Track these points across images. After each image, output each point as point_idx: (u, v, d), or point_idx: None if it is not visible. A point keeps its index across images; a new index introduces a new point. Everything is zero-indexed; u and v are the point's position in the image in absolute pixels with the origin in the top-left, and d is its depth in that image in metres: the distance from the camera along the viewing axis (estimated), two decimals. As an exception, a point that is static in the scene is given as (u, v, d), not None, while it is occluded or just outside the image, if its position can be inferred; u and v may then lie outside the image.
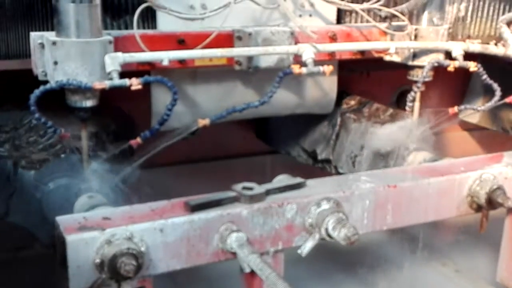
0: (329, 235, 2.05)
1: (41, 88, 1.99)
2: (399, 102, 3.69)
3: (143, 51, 2.22)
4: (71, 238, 1.75)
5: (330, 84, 2.88)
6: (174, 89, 2.13)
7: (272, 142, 3.66)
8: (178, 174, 3.42)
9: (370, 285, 2.98)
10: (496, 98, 2.64)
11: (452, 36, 2.95)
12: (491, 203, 2.31)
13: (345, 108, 3.18)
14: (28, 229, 2.44)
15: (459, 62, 2.60)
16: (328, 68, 2.39)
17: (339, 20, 2.82)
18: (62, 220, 1.86)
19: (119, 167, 2.30)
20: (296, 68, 2.36)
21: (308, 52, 2.37)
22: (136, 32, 2.19)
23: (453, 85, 3.88)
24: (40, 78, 2.14)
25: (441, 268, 3.11)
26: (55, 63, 2.04)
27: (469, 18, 3.06)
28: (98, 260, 1.76)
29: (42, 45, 2.10)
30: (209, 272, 2.93)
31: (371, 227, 2.24)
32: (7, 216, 2.51)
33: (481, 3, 3.07)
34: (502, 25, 2.78)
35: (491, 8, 3.10)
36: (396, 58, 2.71)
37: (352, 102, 3.19)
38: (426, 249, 3.23)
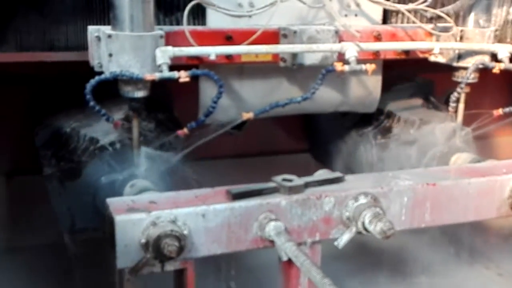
0: (365, 229, 2.10)
1: (96, 78, 2.12)
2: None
3: (192, 46, 2.35)
4: (119, 219, 1.87)
5: (374, 83, 2.92)
6: (220, 83, 2.24)
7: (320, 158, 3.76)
8: (225, 168, 3.54)
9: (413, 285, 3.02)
10: None
11: (500, 39, 2.94)
12: (533, 204, 2.34)
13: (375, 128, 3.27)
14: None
15: (505, 65, 2.61)
16: (370, 67, 2.45)
17: (385, 21, 2.86)
18: (112, 202, 1.99)
19: (167, 156, 2.44)
20: (338, 66, 2.43)
21: (351, 50, 2.43)
22: (186, 28, 2.30)
23: (504, 88, 3.88)
24: (96, 69, 2.25)
25: (484, 271, 3.13)
26: (110, 55, 2.17)
27: (517, 21, 3.07)
28: (143, 240, 1.88)
29: (98, 38, 2.22)
30: (250, 261, 3.06)
31: (409, 224, 2.28)
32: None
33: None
34: (551, 28, 2.79)
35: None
36: (441, 59, 2.73)
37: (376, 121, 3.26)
38: (470, 252, 3.25)
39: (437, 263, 3.15)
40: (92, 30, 2.27)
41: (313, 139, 3.85)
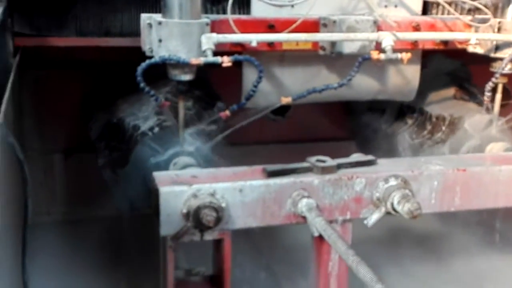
0: (394, 209, 2.17)
1: (147, 61, 2.26)
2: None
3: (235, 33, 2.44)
4: (163, 190, 2.02)
5: (413, 72, 2.94)
6: (260, 68, 2.35)
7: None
8: (267, 153, 3.63)
9: (448, 273, 3.04)
10: None
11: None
12: None
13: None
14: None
15: None
16: (406, 55, 2.50)
17: (425, 12, 2.87)
18: (158, 175, 2.14)
19: (210, 135, 2.58)
20: (375, 54, 2.49)
21: (387, 40, 2.50)
22: (230, 16, 2.40)
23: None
24: (147, 54, 2.37)
25: None
26: (160, 40, 2.30)
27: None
28: (185, 211, 2.02)
29: (150, 25, 2.33)
30: (287, 241, 3.18)
31: (438, 207, 2.33)
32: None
33: None
34: None
35: None
36: (479, 50, 2.75)
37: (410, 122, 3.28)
38: (503, 238, 3.26)
39: (471, 250, 3.17)
40: (145, 17, 2.37)
41: (356, 131, 3.90)
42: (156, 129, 2.60)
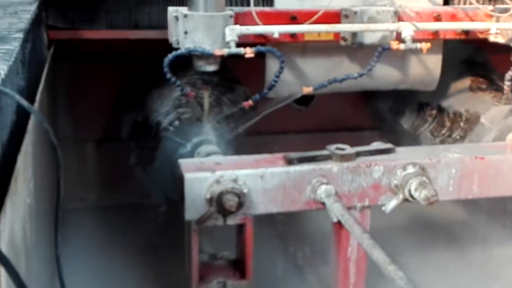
0: (411, 196, 2.22)
1: (173, 53, 2.33)
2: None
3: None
4: (188, 176, 2.10)
5: (434, 62, 2.96)
6: (282, 58, 2.40)
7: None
8: (292, 142, 3.66)
9: (467, 261, 3.04)
10: None
11: None
12: None
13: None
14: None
15: None
16: (426, 45, 2.53)
17: (447, 2, 2.89)
18: (183, 162, 2.21)
19: (235, 124, 2.64)
20: (394, 44, 2.53)
21: (407, 30, 2.53)
22: (253, 8, 2.46)
23: None
24: (174, 45, 2.43)
25: None
26: (186, 32, 2.36)
27: None
28: (208, 196, 2.09)
29: (176, 18, 2.39)
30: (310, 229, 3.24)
31: (456, 194, 2.36)
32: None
33: None
34: None
35: None
36: (500, 40, 2.74)
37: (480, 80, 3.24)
38: None
39: (492, 236, 3.16)
40: (171, 10, 2.43)
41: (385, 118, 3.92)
42: (176, 123, 2.66)
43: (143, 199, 3.31)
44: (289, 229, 3.27)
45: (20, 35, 1.64)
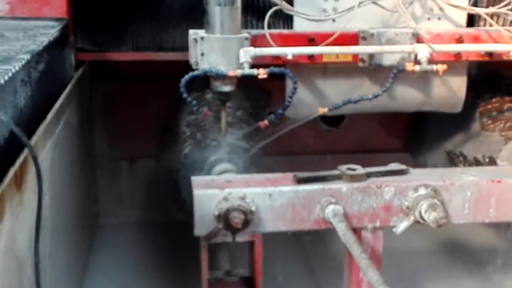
0: (422, 218, 2.18)
1: (190, 74, 2.38)
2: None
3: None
4: (197, 193, 2.13)
5: (459, 84, 2.91)
6: (294, 79, 2.41)
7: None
8: (321, 163, 3.66)
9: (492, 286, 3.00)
10: None
11: None
12: None
13: (483, 111, 3.19)
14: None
15: None
16: (442, 67, 2.49)
17: (472, 24, 2.85)
18: (196, 179, 2.24)
19: (252, 143, 2.66)
20: (409, 66, 2.50)
21: (423, 52, 2.50)
22: (267, 31, 2.49)
23: None
24: (193, 66, 2.48)
25: None
26: (202, 54, 2.41)
27: None
28: (216, 213, 2.10)
29: (195, 40, 2.45)
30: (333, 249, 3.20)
31: (472, 217, 2.30)
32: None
33: None
34: None
35: None
36: None
37: (489, 107, 3.18)
38: None
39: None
40: (191, 33, 2.49)
41: (414, 139, 3.88)
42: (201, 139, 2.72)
43: (175, 215, 3.31)
44: (314, 248, 3.27)
45: (27, 57, 1.73)
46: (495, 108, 3.12)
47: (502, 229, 3.29)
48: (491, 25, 2.80)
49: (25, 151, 1.59)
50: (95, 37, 2.86)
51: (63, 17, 2.63)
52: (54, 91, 2.24)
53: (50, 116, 1.98)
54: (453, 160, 3.29)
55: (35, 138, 1.76)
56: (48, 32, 2.21)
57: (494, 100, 3.16)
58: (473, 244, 3.34)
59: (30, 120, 1.84)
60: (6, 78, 1.43)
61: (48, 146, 2.02)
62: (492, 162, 2.94)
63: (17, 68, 1.56)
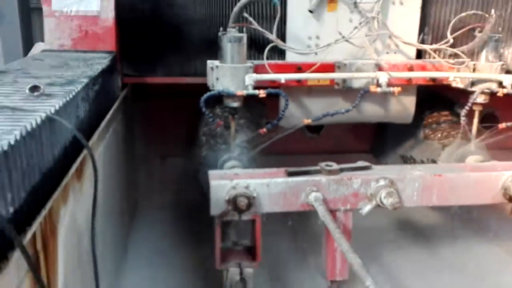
0: (382, 202, 2.22)
1: (208, 93, 2.39)
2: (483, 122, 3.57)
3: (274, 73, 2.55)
4: (213, 183, 2.17)
5: (410, 102, 2.91)
6: (286, 97, 2.42)
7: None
8: (304, 162, 3.64)
9: (436, 256, 2.95)
10: None
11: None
12: (520, 195, 2.29)
13: (426, 124, 3.18)
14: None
15: (507, 90, 2.54)
16: (397, 89, 2.50)
17: (420, 57, 2.85)
18: (211, 172, 2.28)
19: (254, 144, 2.66)
20: (373, 88, 2.52)
21: (383, 77, 2.51)
22: (266, 62, 2.51)
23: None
24: (210, 88, 2.50)
25: (496, 248, 2.99)
26: (217, 78, 2.44)
27: (530, 58, 2.95)
28: (227, 198, 2.14)
29: (212, 68, 2.47)
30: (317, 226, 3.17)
31: (419, 202, 2.33)
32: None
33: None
34: (553, 64, 2.67)
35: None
36: (460, 85, 2.69)
37: (430, 120, 3.17)
38: (487, 233, 3.12)
39: (457, 240, 3.07)
40: (209, 62, 2.51)
41: (377, 144, 3.88)
42: (215, 142, 2.74)
43: (196, 200, 3.17)
44: (301, 225, 3.25)
45: (86, 80, 1.75)
46: (434, 121, 3.11)
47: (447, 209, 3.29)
48: (434, 57, 2.82)
49: (84, 151, 1.62)
50: (136, 65, 2.87)
51: (112, 50, 2.65)
52: (105, 106, 2.26)
53: (102, 125, 2.00)
54: (406, 161, 3.29)
55: (91, 141, 1.78)
56: (101, 62, 2.23)
57: (434, 114, 3.15)
58: (420, 223, 3.33)
59: (88, 128, 1.86)
60: (70, 96, 1.45)
61: (100, 148, 2.04)
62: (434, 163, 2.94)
63: (78, 89, 1.58)
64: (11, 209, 1.09)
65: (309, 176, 2.24)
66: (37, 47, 3.08)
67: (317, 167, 2.28)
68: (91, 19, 2.62)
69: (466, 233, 3.15)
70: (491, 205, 2.46)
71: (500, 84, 2.61)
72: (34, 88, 1.48)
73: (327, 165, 2.29)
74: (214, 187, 2.15)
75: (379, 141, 3.82)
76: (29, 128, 1.19)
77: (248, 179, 2.19)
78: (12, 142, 1.08)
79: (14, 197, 1.11)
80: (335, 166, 2.29)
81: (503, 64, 2.66)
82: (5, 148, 1.04)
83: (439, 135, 3.02)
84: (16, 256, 1.05)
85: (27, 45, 5.16)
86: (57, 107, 1.37)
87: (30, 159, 1.21)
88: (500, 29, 2.84)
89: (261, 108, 3.19)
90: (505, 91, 2.56)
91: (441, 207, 3.00)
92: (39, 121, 1.25)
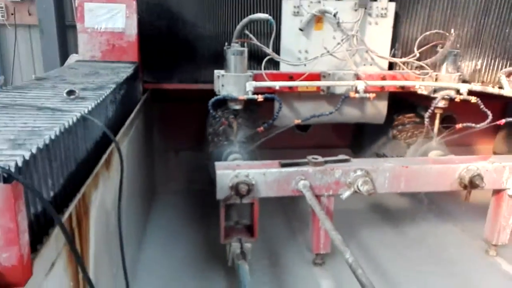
0: (359, 189, 2.23)
1: (215, 97, 2.39)
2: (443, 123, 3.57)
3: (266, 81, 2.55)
4: (219, 172, 2.16)
5: (382, 106, 2.91)
6: (280, 101, 2.42)
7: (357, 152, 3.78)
8: (293, 155, 3.61)
9: (403, 234, 2.92)
10: (488, 120, 2.53)
11: (467, 81, 2.87)
12: (472, 184, 2.31)
13: (394, 126, 3.17)
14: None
15: (463, 96, 2.56)
16: (372, 95, 2.51)
17: (391, 68, 2.85)
18: (217, 164, 2.27)
19: (253, 140, 2.67)
20: (352, 94, 2.53)
21: (360, 85, 2.52)
22: (263, 72, 2.51)
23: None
24: (217, 93, 2.50)
25: (453, 227, 2.99)
26: (222, 85, 2.44)
27: (483, 70, 2.96)
28: (230, 184, 2.14)
29: (218, 76, 2.48)
30: (305, 209, 3.16)
31: (390, 189, 2.34)
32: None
33: (492, 60, 2.94)
34: (501, 75, 2.67)
35: (500, 63, 2.95)
36: (424, 92, 2.71)
37: (397, 122, 3.15)
38: (447, 215, 3.13)
39: (422, 222, 3.06)
40: (216, 72, 2.52)
41: (355, 141, 3.88)
42: (221, 139, 2.72)
43: (204, 186, 3.18)
44: (292, 207, 3.25)
45: (113, 86, 1.74)
46: (400, 123, 3.10)
47: (414, 195, 3.30)
48: (403, 69, 2.83)
49: (112, 145, 1.61)
50: (154, 74, 2.85)
51: (135, 61, 2.63)
52: (129, 107, 2.25)
53: (126, 123, 1.99)
54: (379, 157, 3.28)
55: (118, 137, 1.77)
56: (126, 71, 2.22)
57: (400, 117, 3.14)
58: (391, 206, 3.32)
59: (115, 125, 1.86)
60: (101, 99, 1.44)
61: (125, 142, 2.03)
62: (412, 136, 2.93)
63: (107, 93, 1.58)
64: (51, 193, 1.09)
65: (299, 167, 2.24)
66: (72, 58, 3.06)
67: (305, 160, 2.28)
68: (117, 35, 2.61)
69: (429, 215, 3.15)
70: (449, 192, 2.48)
71: (458, 92, 2.62)
72: (70, 92, 1.47)
73: (313, 158, 2.29)
74: (219, 176, 2.15)
75: (357, 138, 3.81)
76: (66, 125, 1.19)
77: (248, 169, 2.19)
78: (53, 137, 1.08)
79: (54, 183, 1.11)
80: (320, 159, 2.29)
81: (460, 75, 2.67)
82: (47, 142, 1.04)
83: (405, 135, 3.01)
84: (56, 232, 1.06)
85: (64, 56, 5.14)
86: (89, 108, 1.37)
87: (67, 151, 1.21)
88: (458, 45, 2.85)
89: (254, 107, 3.17)
90: (461, 97, 2.57)
91: (408, 193, 3.01)
92: (74, 119, 1.25)
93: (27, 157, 0.94)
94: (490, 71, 2.94)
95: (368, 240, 2.84)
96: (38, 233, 1.02)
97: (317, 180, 2.25)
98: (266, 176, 2.20)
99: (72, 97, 1.47)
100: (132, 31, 2.62)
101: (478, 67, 2.92)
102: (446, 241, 2.82)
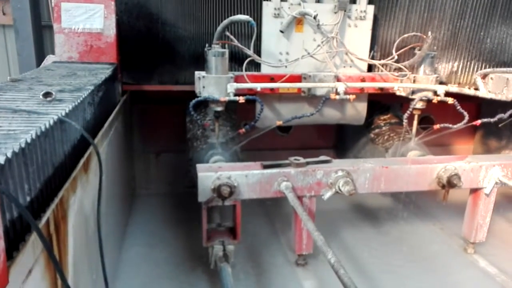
0: (340, 189, 2.25)
1: (196, 99, 2.39)
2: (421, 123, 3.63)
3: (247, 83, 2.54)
4: (200, 174, 2.15)
5: (362, 107, 2.95)
6: (261, 103, 2.43)
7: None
8: (276, 156, 3.62)
9: (384, 233, 2.97)
10: (464, 121, 2.60)
11: (444, 82, 2.94)
12: (450, 183, 2.36)
13: (371, 127, 3.21)
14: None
15: (441, 97, 2.62)
16: (352, 96, 2.54)
17: (370, 70, 2.89)
18: (199, 166, 2.26)
19: (234, 142, 2.66)
20: (332, 95, 2.55)
21: (341, 87, 2.55)
22: (245, 73, 2.51)
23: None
24: (198, 94, 2.49)
25: (432, 226, 3.05)
26: (203, 87, 2.42)
27: (459, 72, 3.03)
28: (212, 187, 2.13)
29: (199, 78, 2.46)
30: (288, 210, 3.20)
31: (370, 189, 2.37)
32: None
33: (468, 62, 3.02)
34: (477, 77, 2.75)
35: (476, 65, 3.03)
36: (403, 93, 2.77)
37: (373, 125, 3.20)
38: (424, 213, 3.19)
39: (402, 220, 3.12)
40: (197, 73, 2.51)
41: (338, 142, 3.90)
42: (202, 141, 2.70)
43: (186, 189, 3.30)
44: (275, 209, 3.25)
45: (92, 87, 1.71)
46: (376, 125, 3.14)
47: (394, 195, 3.33)
48: (382, 71, 2.87)
49: (90, 147, 1.58)
50: (134, 75, 2.81)
51: (114, 62, 2.59)
52: (108, 109, 2.21)
53: (105, 125, 1.96)
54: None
55: (96, 139, 1.74)
56: (104, 72, 2.19)
57: (375, 119, 3.18)
58: (372, 206, 3.37)
59: (93, 128, 1.82)
60: (79, 101, 1.42)
61: (104, 144, 2.00)
62: (391, 138, 2.98)
63: (85, 95, 1.55)
64: (28, 198, 1.06)
65: (281, 168, 2.25)
66: (49, 59, 2.99)
67: (287, 161, 2.29)
68: (95, 35, 2.56)
69: (408, 215, 3.21)
70: (428, 192, 2.52)
71: (435, 93, 2.68)
72: (46, 94, 1.44)
73: (295, 159, 2.30)
74: (201, 178, 2.14)
75: (340, 139, 3.85)
76: (43, 128, 1.16)
77: (230, 171, 2.18)
78: (29, 141, 1.05)
79: (31, 187, 1.08)
80: (302, 160, 2.30)
81: (437, 77, 2.73)
82: (23, 145, 1.02)
83: (382, 139, 3.05)
84: (33, 238, 1.03)
85: (40, 57, 5.02)
86: (67, 111, 1.34)
87: (44, 155, 1.18)
88: (435, 48, 2.91)
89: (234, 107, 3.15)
90: (439, 98, 2.63)
91: (388, 193, 3.04)
92: (51, 122, 1.22)
93: (2, 162, 0.91)
94: (466, 73, 3.02)
95: (349, 239, 2.86)
96: (14, 240, 0.99)
97: (299, 181, 2.26)
98: (248, 178, 2.20)
99: (48, 99, 1.43)
100: (111, 31, 2.58)
101: (455, 69, 2.99)
102: (425, 239, 2.88)
